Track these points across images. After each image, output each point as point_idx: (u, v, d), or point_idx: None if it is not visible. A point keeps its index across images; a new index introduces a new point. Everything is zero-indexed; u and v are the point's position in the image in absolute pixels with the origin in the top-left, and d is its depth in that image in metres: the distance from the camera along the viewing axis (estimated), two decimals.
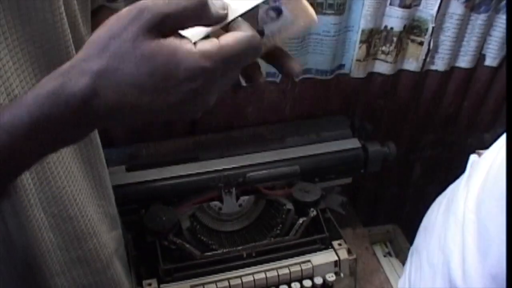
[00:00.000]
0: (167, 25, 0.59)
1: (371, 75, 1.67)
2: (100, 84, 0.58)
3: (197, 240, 1.38)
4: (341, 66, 1.62)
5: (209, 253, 1.34)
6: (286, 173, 1.47)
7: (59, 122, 0.60)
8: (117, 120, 0.62)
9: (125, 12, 0.59)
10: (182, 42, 0.59)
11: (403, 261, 1.62)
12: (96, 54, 0.59)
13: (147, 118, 0.63)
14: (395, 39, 1.58)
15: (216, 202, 1.46)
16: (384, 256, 1.69)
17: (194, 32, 0.63)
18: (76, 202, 0.89)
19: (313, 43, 1.53)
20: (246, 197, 1.48)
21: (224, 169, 1.45)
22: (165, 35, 0.59)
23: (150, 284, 1.30)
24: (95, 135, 0.95)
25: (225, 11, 0.64)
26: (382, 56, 1.62)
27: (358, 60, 1.59)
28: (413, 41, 1.62)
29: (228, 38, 0.61)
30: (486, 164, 0.90)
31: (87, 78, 0.58)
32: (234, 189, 1.45)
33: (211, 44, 0.60)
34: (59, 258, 0.90)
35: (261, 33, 0.69)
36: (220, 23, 0.64)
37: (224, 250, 1.35)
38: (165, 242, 1.33)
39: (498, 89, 1.80)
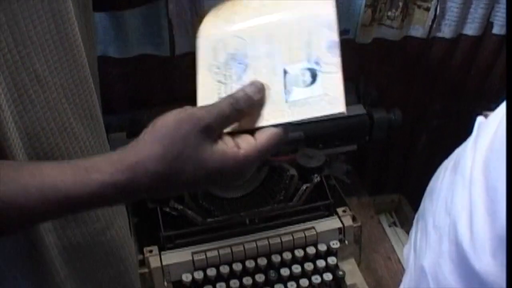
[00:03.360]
0: (217, 131, 0.74)
1: (377, 40, 1.64)
2: (160, 184, 0.72)
3: (199, 207, 1.36)
4: (346, 31, 1.59)
5: (211, 219, 1.32)
6: (290, 138, 1.44)
7: (112, 203, 0.81)
8: None
9: (187, 118, 0.72)
10: (229, 148, 0.74)
11: (408, 231, 1.61)
12: (163, 157, 0.71)
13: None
14: (401, 4, 1.55)
15: None
16: (390, 225, 1.68)
17: None
18: None
19: None
20: None
21: None
22: (216, 138, 0.74)
23: (151, 251, 1.29)
24: (95, 94, 0.93)
25: (260, 96, 0.78)
26: (388, 22, 1.59)
27: (363, 25, 1.56)
28: (419, 6, 1.59)
29: (263, 139, 0.75)
30: (493, 124, 0.88)
31: (152, 179, 0.71)
32: None
33: (251, 147, 0.74)
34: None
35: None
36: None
37: (227, 216, 1.33)
38: (166, 208, 1.31)
39: (505, 58, 1.78)
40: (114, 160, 0.72)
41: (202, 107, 0.75)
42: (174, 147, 0.71)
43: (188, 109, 0.74)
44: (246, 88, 0.77)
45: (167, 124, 0.72)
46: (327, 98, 0.79)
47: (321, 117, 0.78)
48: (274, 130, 0.77)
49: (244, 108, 0.76)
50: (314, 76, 0.82)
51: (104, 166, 0.71)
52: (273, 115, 0.79)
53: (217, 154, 0.72)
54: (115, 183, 0.69)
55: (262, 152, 0.75)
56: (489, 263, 0.78)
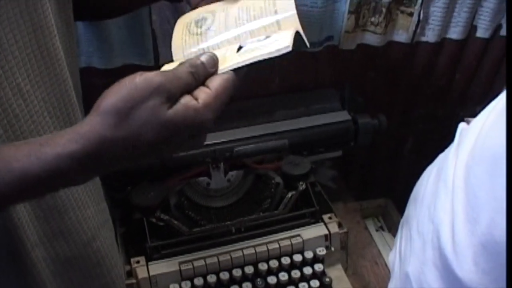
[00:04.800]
0: (178, 95, 0.71)
1: (361, 46, 1.64)
2: (122, 151, 0.69)
3: (185, 216, 1.36)
4: (330, 37, 1.59)
5: (197, 229, 1.33)
6: (274, 146, 1.45)
7: (72, 178, 0.71)
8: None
9: (143, 84, 0.69)
10: (188, 101, 0.71)
11: (395, 235, 1.61)
12: (118, 123, 0.68)
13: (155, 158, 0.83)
14: (384, 9, 1.55)
15: (204, 178, 1.44)
16: (377, 230, 1.68)
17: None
18: None
19: (301, 14, 1.49)
20: (234, 172, 1.47)
21: (212, 144, 1.42)
22: (175, 101, 0.71)
23: (138, 262, 1.29)
24: (78, 107, 0.94)
25: (214, 69, 0.77)
26: (372, 28, 1.60)
27: (346, 31, 1.56)
28: (402, 12, 1.60)
29: (218, 85, 0.74)
30: (475, 131, 0.88)
31: (111, 146, 0.68)
32: (222, 164, 1.43)
33: (208, 96, 0.73)
34: (37, 229, 0.90)
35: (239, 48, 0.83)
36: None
37: (213, 226, 1.33)
38: (152, 219, 1.31)
39: (490, 61, 1.78)
40: (68, 132, 0.69)
41: (161, 72, 0.72)
42: (130, 112, 0.68)
43: (143, 75, 0.70)
44: (203, 58, 0.76)
45: (121, 91, 0.69)
46: (276, 42, 0.81)
47: (269, 56, 0.78)
48: (225, 75, 0.76)
49: (202, 77, 0.75)
50: (268, 36, 0.85)
51: (57, 139, 0.68)
52: (222, 61, 0.79)
53: (178, 113, 0.70)
54: (70, 153, 0.66)
55: (219, 98, 0.74)
56: (471, 270, 0.79)
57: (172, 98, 0.70)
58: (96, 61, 1.44)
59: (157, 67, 1.45)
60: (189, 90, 0.73)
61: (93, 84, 1.44)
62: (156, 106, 0.69)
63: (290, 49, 0.78)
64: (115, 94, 0.69)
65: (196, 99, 0.72)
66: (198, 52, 0.89)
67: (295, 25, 0.88)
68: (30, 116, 0.81)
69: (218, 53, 0.80)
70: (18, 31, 0.76)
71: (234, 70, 0.78)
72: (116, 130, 0.68)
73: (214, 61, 0.77)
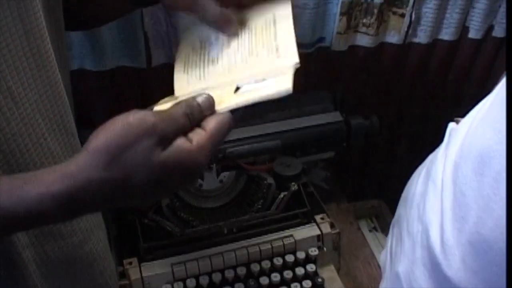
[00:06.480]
0: (173, 137, 0.71)
1: (353, 48, 1.65)
2: (110, 193, 0.68)
3: (178, 217, 1.36)
4: (322, 39, 1.60)
5: (189, 230, 1.33)
6: (267, 147, 1.45)
7: (57, 218, 0.72)
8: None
9: (137, 123, 0.69)
10: (182, 143, 0.71)
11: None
12: (108, 163, 0.67)
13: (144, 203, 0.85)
14: (376, 11, 1.56)
15: None
16: (370, 231, 1.68)
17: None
18: None
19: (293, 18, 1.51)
20: (227, 173, 1.47)
21: None
22: (168, 144, 0.71)
23: (130, 263, 1.29)
24: (70, 109, 0.94)
25: (210, 112, 0.77)
26: (363, 29, 1.60)
27: (338, 32, 1.57)
28: (394, 13, 1.60)
29: (213, 127, 0.75)
30: (463, 130, 0.89)
31: (98, 187, 0.67)
32: (214, 165, 1.43)
33: (202, 138, 0.73)
34: (28, 231, 0.89)
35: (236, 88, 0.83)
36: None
37: (205, 227, 1.34)
38: (145, 220, 1.31)
39: (482, 62, 1.79)
40: (54, 169, 0.69)
41: (155, 112, 0.73)
42: (122, 153, 0.67)
43: (137, 114, 0.70)
44: (199, 100, 0.77)
45: (114, 130, 0.69)
46: (276, 83, 0.82)
47: (269, 98, 0.79)
48: (220, 116, 0.76)
49: (197, 119, 0.75)
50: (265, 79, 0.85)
51: (43, 177, 0.68)
52: (218, 101, 0.80)
53: (170, 157, 0.70)
54: (53, 194, 0.66)
55: (213, 140, 0.74)
56: (459, 269, 0.79)
57: (166, 140, 0.70)
58: (88, 64, 1.44)
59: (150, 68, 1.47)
60: (184, 132, 0.73)
61: (86, 86, 1.46)
62: (149, 148, 0.68)
63: (291, 91, 0.79)
64: (107, 133, 0.69)
65: (190, 140, 0.72)
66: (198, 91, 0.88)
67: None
68: (21, 119, 0.81)
69: (215, 93, 0.81)
70: (9, 34, 0.76)
71: (231, 111, 0.78)
72: (105, 171, 0.67)
73: (210, 103, 0.78)
